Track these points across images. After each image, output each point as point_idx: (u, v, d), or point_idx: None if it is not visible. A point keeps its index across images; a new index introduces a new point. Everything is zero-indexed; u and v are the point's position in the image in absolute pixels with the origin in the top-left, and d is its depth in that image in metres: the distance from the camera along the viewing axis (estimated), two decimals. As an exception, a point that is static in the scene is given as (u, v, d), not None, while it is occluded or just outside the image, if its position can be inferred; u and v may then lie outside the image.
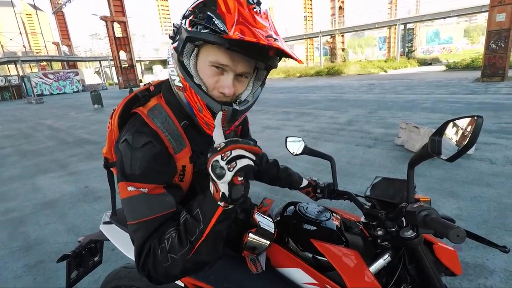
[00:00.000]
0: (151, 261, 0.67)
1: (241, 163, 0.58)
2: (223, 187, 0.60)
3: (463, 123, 0.66)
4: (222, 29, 0.62)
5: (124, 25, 23.97)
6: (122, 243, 1.07)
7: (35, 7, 52.52)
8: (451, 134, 0.67)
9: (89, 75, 48.45)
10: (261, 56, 0.70)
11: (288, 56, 0.69)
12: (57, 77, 35.60)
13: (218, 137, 0.63)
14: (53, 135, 8.64)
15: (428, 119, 6.40)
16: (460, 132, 0.66)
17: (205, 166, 0.63)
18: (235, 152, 0.58)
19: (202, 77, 0.72)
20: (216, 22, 0.63)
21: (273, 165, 1.32)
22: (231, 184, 0.59)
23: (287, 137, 1.32)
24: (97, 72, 50.95)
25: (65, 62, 40.88)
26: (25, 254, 2.54)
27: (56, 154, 6.20)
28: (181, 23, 0.71)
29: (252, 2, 0.67)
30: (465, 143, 0.63)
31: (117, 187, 0.75)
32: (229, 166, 0.58)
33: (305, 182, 1.32)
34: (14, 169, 5.37)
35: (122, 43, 24.41)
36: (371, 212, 0.98)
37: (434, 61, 34.47)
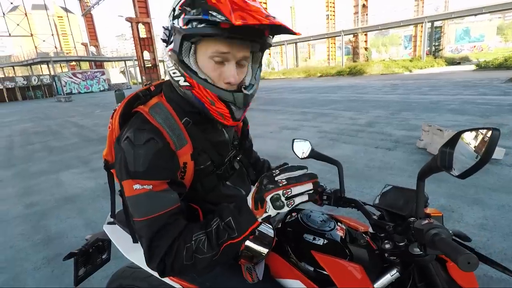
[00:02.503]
0: (171, 258, 0.69)
1: (298, 199, 0.66)
2: (274, 212, 0.67)
3: (478, 135, 0.59)
4: (223, 18, 0.63)
5: (148, 26, 24.62)
6: (123, 245, 1.07)
7: (66, 9, 55.01)
8: (463, 147, 0.60)
9: (115, 75, 50.18)
10: (258, 37, 0.72)
11: (288, 31, 0.69)
12: (85, 76, 37.19)
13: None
14: (78, 132, 9.00)
15: (454, 121, 6.10)
16: (474, 145, 0.59)
17: (208, 164, 0.80)
18: (295, 190, 0.65)
19: (205, 72, 0.74)
20: (214, 14, 0.64)
21: (260, 161, 1.27)
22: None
23: (294, 139, 1.28)
24: (122, 72, 52.67)
25: (92, 62, 42.55)
26: (45, 247, 2.65)
27: (80, 151, 6.45)
28: (173, 23, 0.71)
29: None
30: (479, 158, 0.57)
31: (118, 186, 0.76)
32: (288, 203, 0.65)
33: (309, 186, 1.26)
34: (41, 164, 5.64)
35: (146, 43, 25.02)
36: (378, 224, 0.92)
37: (464, 60, 32.88)
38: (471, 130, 0.60)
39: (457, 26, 42.53)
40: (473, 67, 23.35)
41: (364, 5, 33.05)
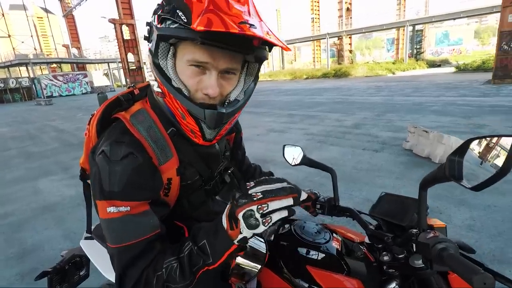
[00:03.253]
0: None
1: (276, 216, 0.55)
2: (248, 233, 0.57)
3: (489, 143, 0.54)
4: (185, 21, 0.55)
5: (132, 27, 24.18)
6: (101, 261, 0.98)
7: (46, 10, 53.42)
8: (476, 156, 0.55)
9: (98, 77, 49.01)
10: (244, 48, 0.61)
11: (272, 44, 0.60)
12: (66, 79, 36.11)
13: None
14: (58, 136, 8.68)
15: (438, 123, 6.21)
16: (486, 154, 0.54)
17: (196, 179, 0.71)
18: (272, 206, 0.55)
19: (182, 79, 0.65)
20: (179, 14, 0.56)
21: (250, 167, 1.20)
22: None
23: (284, 145, 1.22)
24: (106, 74, 51.55)
25: (74, 64, 41.39)
26: (19, 262, 2.48)
27: (59, 156, 6.19)
28: (152, 19, 0.64)
29: None
30: (499, 169, 0.51)
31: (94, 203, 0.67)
32: (264, 220, 0.55)
33: (304, 196, 1.19)
34: (18, 171, 5.37)
35: (130, 45, 24.61)
36: (376, 234, 0.87)
37: (444, 62, 33.93)
38: (481, 138, 0.55)
39: (437, 30, 43.94)
40: (453, 69, 24.11)
41: (348, 9, 33.62)
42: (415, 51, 36.66)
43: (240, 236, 0.58)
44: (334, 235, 0.96)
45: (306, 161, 1.14)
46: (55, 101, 27.38)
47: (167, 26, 0.59)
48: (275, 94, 16.75)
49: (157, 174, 0.68)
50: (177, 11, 0.56)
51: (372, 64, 32.23)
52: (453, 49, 42.80)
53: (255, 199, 0.55)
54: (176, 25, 0.57)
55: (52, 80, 34.86)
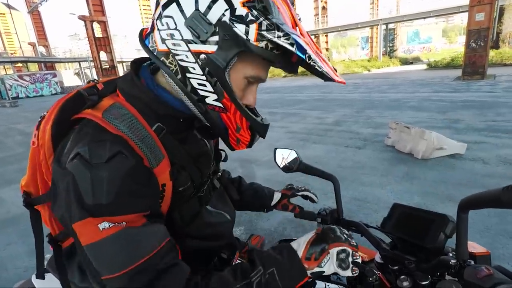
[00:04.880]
0: None
1: (358, 268, 0.59)
2: (331, 270, 0.58)
3: None
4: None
5: (104, 25, 23.17)
6: None
7: (9, 6, 50.18)
8: None
9: (69, 77, 46.69)
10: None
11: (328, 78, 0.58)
12: (34, 79, 34.10)
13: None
14: (24, 141, 8.07)
15: (416, 118, 6.32)
16: None
17: (188, 185, 0.65)
18: (359, 258, 0.59)
19: (234, 90, 0.60)
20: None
21: (236, 181, 1.05)
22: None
23: (276, 148, 1.07)
24: (77, 74, 49.28)
25: (42, 64, 39.18)
26: (-25, 285, 2.19)
27: (25, 163, 5.71)
28: (231, 24, 0.52)
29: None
30: None
31: (46, 230, 0.54)
32: (353, 268, 0.58)
33: (277, 196, 1.04)
34: (-23, 180, 4.90)
35: (102, 43, 23.58)
36: (393, 256, 0.75)
37: (415, 60, 35.19)
38: None
39: (408, 28, 45.51)
40: (424, 66, 25.02)
41: (323, 7, 34.02)
42: (388, 49, 37.75)
43: (316, 269, 0.58)
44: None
45: (303, 167, 1.00)
46: (22, 102, 25.76)
47: (268, 49, 0.54)
48: (255, 92, 16.61)
49: (153, 178, 0.57)
50: (283, 32, 0.51)
51: (348, 62, 32.87)
52: (424, 47, 44.50)
53: (352, 244, 0.59)
54: (278, 51, 0.55)
55: (17, 81, 32.78)
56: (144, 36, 0.62)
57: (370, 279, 0.78)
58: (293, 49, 0.50)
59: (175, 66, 0.57)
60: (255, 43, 0.52)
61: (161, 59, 0.58)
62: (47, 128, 0.60)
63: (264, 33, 0.51)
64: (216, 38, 0.53)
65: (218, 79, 0.56)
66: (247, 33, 0.51)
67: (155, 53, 0.59)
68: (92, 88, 0.64)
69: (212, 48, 0.53)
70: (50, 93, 35.15)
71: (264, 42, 0.53)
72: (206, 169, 0.75)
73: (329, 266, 0.58)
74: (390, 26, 35.33)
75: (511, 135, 4.65)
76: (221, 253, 0.84)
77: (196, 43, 0.54)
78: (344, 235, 0.60)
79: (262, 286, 0.54)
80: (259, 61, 0.58)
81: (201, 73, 0.56)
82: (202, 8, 0.52)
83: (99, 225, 0.49)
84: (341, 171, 3.84)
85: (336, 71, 0.59)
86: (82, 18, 21.85)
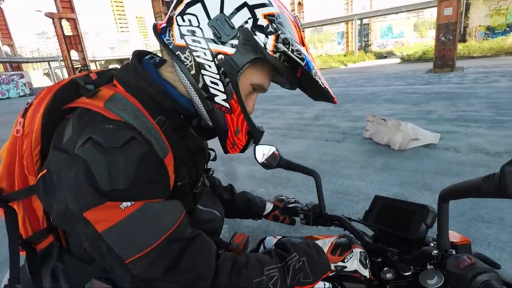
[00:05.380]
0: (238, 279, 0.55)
1: (367, 273, 0.70)
2: (354, 266, 0.67)
3: None
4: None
5: (74, 22, 22.15)
6: None
7: (-33, 3, 47.02)
8: None
9: (38, 77, 44.46)
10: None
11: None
12: (-1, 80, 32.23)
13: None
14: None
15: (392, 110, 6.50)
16: None
17: (186, 181, 0.66)
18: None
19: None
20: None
21: (227, 189, 1.05)
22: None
23: (255, 145, 1.05)
24: (47, 74, 47.01)
25: (7, 64, 37.05)
26: None
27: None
28: (252, 32, 0.56)
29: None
30: None
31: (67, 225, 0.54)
32: (368, 269, 0.70)
33: (269, 207, 1.07)
34: None
35: (73, 41, 22.52)
36: (376, 249, 0.74)
37: (389, 54, 36.23)
38: None
39: (381, 23, 46.74)
40: (398, 60, 25.80)
41: (300, 3, 34.27)
42: (363, 44, 38.61)
43: (340, 264, 0.67)
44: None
45: (284, 163, 0.98)
46: (-14, 106, 24.28)
47: (281, 60, 0.58)
48: (234, 89, 16.53)
49: (164, 167, 0.56)
50: (306, 59, 0.57)
51: (326, 56, 33.35)
52: (397, 42, 45.87)
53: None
54: (287, 63, 0.60)
55: (-20, 83, 30.89)
56: (159, 30, 0.62)
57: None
58: (303, 63, 0.56)
59: (191, 61, 0.58)
60: (270, 53, 0.56)
61: (176, 53, 0.59)
62: (37, 115, 0.58)
63: (280, 45, 0.56)
64: (235, 41, 0.56)
65: (231, 80, 0.59)
66: (265, 42, 0.56)
67: (171, 47, 0.59)
68: (86, 77, 0.62)
69: (231, 51, 0.56)
70: (18, 95, 33.32)
71: (278, 54, 0.57)
72: (202, 166, 0.76)
73: (352, 262, 0.66)
74: (365, 21, 36.14)
75: (480, 124, 4.88)
76: None
77: (216, 43, 0.56)
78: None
79: (296, 271, 0.59)
80: (267, 71, 0.63)
81: (216, 71, 0.58)
82: (227, 12, 0.55)
83: (120, 205, 0.48)
84: (322, 165, 3.88)
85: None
86: (50, 15, 20.81)
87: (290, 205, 1.02)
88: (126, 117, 0.54)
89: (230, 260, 0.56)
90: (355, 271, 0.67)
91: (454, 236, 0.67)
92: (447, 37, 13.05)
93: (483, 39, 21.96)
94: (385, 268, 0.71)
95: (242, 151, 0.69)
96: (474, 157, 3.60)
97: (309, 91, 0.70)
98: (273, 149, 1.02)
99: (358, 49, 34.31)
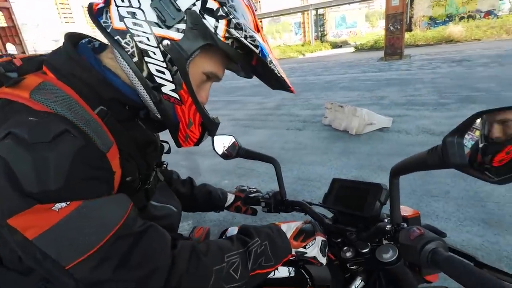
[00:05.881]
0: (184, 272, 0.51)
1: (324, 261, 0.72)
2: (312, 253, 0.68)
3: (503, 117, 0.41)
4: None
5: (7, 11, 19.98)
6: None
7: None
8: (477, 135, 0.43)
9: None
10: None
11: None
12: None
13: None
14: None
15: (348, 97, 6.77)
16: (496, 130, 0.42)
17: (134, 178, 0.60)
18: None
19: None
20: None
21: (187, 182, 1.01)
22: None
23: (213, 136, 1.01)
24: (-21, 71, 42.04)
25: None
26: None
27: None
28: (201, 16, 0.51)
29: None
30: None
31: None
32: (326, 258, 0.71)
33: (230, 198, 1.05)
34: None
35: (8, 33, 20.32)
36: (335, 230, 0.75)
37: (344, 43, 37.64)
38: (496, 110, 0.42)
39: (336, 14, 48.22)
40: (352, 49, 26.92)
41: (256, -7, 34.09)
42: (319, 34, 39.67)
43: (301, 249, 0.67)
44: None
45: (243, 153, 0.96)
46: None
47: (233, 46, 0.54)
48: (193, 81, 16.15)
49: (106, 162, 0.50)
50: (249, 33, 0.53)
51: (284, 47, 33.74)
52: (350, 31, 47.69)
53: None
54: (241, 51, 0.55)
55: None
56: (95, 11, 0.55)
57: None
58: (257, 51, 0.53)
59: (132, 47, 0.52)
60: (222, 39, 0.52)
61: (115, 38, 0.52)
62: None
63: (232, 31, 0.52)
64: (182, 26, 0.51)
65: (179, 69, 0.53)
66: (216, 27, 0.51)
67: (108, 30, 0.53)
68: (9, 64, 0.53)
69: (177, 36, 0.51)
70: None
71: (231, 40, 0.53)
72: (153, 160, 0.71)
73: (313, 249, 0.67)
74: (320, 11, 37.08)
75: (427, 107, 5.27)
76: None
77: (160, 27, 0.51)
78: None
79: (258, 255, 0.59)
80: (220, 58, 0.58)
81: (162, 59, 0.52)
82: None
83: (53, 208, 0.42)
84: (284, 153, 3.94)
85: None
86: (-23, 4, 18.55)
87: (252, 195, 1.00)
88: (58, 108, 0.47)
89: (188, 248, 0.52)
90: (314, 257, 0.68)
91: (405, 210, 0.70)
92: (395, 26, 13.82)
93: (427, 29, 23.62)
94: (345, 248, 0.73)
95: (197, 144, 0.66)
96: (423, 138, 3.89)
97: (266, 79, 0.67)
98: (231, 139, 0.99)
99: (315, 39, 35.19)
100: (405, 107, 5.42)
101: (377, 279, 0.74)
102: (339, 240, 0.77)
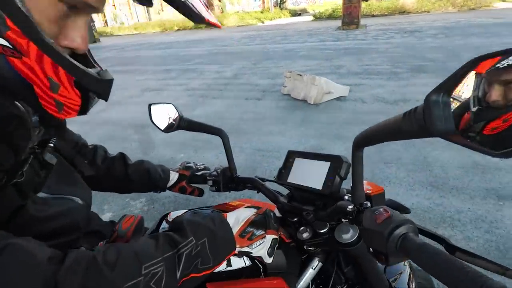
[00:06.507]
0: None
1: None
2: (259, 253, 0.58)
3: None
4: None
5: None
6: None
7: None
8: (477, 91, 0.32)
9: None
10: None
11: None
12: None
13: None
14: None
15: (307, 66, 6.72)
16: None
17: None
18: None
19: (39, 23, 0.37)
20: None
21: (117, 160, 0.83)
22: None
23: (150, 104, 0.85)
24: None
25: None
26: None
27: None
28: None
29: None
30: None
31: None
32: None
33: (173, 177, 0.89)
34: None
35: None
36: (291, 210, 0.66)
37: (303, 11, 37.14)
38: (492, 55, 0.30)
39: (295, -21, 47.05)
40: (311, 17, 26.67)
41: (211, -48, 31.71)
42: (278, 1, 38.61)
43: (245, 249, 0.56)
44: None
45: (185, 124, 0.82)
46: None
47: None
48: (146, 48, 14.95)
49: None
50: None
51: (242, 13, 32.43)
52: (309, -1, 47.21)
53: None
54: None
55: None
56: None
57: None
58: None
59: None
60: None
61: None
62: None
63: None
64: None
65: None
66: None
67: None
68: None
69: None
70: None
71: None
72: (24, 141, 0.48)
73: (259, 250, 0.57)
74: (279, -24, 35.72)
75: (381, 76, 5.40)
76: (78, 247, 0.62)
77: None
78: (276, 224, 0.61)
79: (192, 258, 0.47)
80: None
81: None
82: None
83: None
84: (243, 123, 3.82)
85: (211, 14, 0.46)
86: None
87: (199, 173, 0.87)
88: None
89: (84, 263, 0.39)
90: (259, 256, 0.59)
91: (368, 186, 0.62)
92: (353, -5, 13.81)
93: (382, -1, 24.06)
94: (301, 228, 0.64)
95: (82, 112, 0.47)
96: (378, 106, 3.98)
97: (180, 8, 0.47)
98: (170, 107, 0.83)
99: (274, 6, 34.22)
100: (361, 76, 5.50)
101: (336, 259, 0.68)
102: (295, 219, 0.68)
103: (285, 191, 0.76)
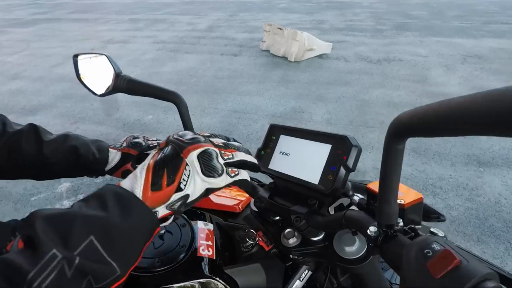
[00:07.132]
0: None
1: (244, 173, 0.40)
2: (198, 185, 0.36)
3: None
4: None
5: None
6: None
7: None
8: None
9: None
10: None
11: None
12: None
13: None
14: None
15: (288, 20, 6.26)
16: None
17: None
18: (239, 156, 0.40)
19: None
20: None
21: (26, 134, 0.57)
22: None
23: (75, 55, 0.59)
24: None
25: None
26: None
27: None
28: None
29: None
30: None
31: None
32: (230, 170, 0.38)
33: (114, 157, 0.63)
34: None
35: None
36: (273, 209, 0.48)
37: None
38: None
39: None
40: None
41: None
42: None
43: (176, 196, 0.34)
44: (199, 223, 0.52)
45: (124, 85, 0.58)
46: None
47: None
48: (109, -6, 13.41)
49: None
50: None
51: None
52: None
53: (217, 143, 0.39)
54: None
55: None
56: None
57: (243, 246, 0.52)
58: None
59: None
60: None
61: None
62: None
63: None
64: None
65: None
66: None
67: None
68: None
69: None
70: None
71: None
72: None
73: (194, 180, 0.36)
74: None
75: (365, 33, 5.13)
76: None
77: None
78: (202, 137, 0.39)
79: (63, 278, 0.26)
80: None
81: None
82: None
83: None
84: (218, 82, 3.51)
85: None
86: None
87: (150, 152, 0.63)
88: None
89: None
90: (205, 194, 0.37)
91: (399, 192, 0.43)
92: None
93: None
94: (287, 231, 0.46)
95: None
96: (361, 65, 3.78)
97: None
98: (104, 60, 0.58)
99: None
100: (344, 33, 5.21)
101: (331, 271, 0.52)
102: (278, 217, 0.51)
103: (267, 178, 0.57)
